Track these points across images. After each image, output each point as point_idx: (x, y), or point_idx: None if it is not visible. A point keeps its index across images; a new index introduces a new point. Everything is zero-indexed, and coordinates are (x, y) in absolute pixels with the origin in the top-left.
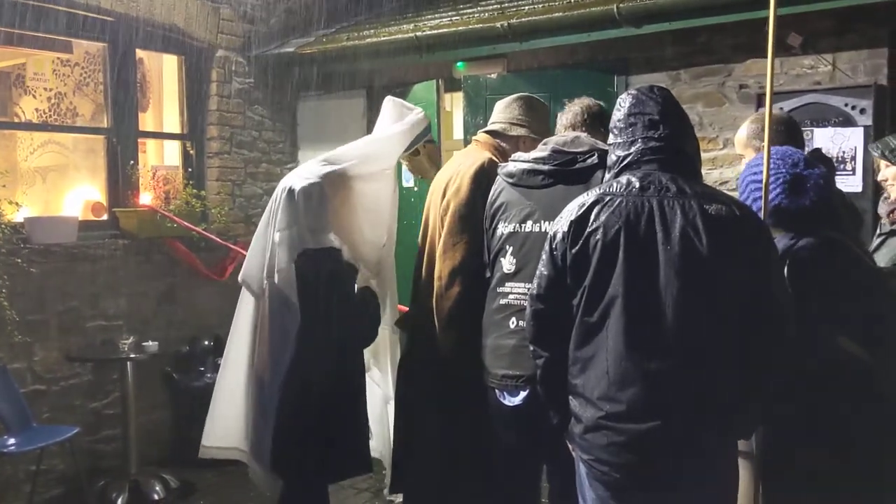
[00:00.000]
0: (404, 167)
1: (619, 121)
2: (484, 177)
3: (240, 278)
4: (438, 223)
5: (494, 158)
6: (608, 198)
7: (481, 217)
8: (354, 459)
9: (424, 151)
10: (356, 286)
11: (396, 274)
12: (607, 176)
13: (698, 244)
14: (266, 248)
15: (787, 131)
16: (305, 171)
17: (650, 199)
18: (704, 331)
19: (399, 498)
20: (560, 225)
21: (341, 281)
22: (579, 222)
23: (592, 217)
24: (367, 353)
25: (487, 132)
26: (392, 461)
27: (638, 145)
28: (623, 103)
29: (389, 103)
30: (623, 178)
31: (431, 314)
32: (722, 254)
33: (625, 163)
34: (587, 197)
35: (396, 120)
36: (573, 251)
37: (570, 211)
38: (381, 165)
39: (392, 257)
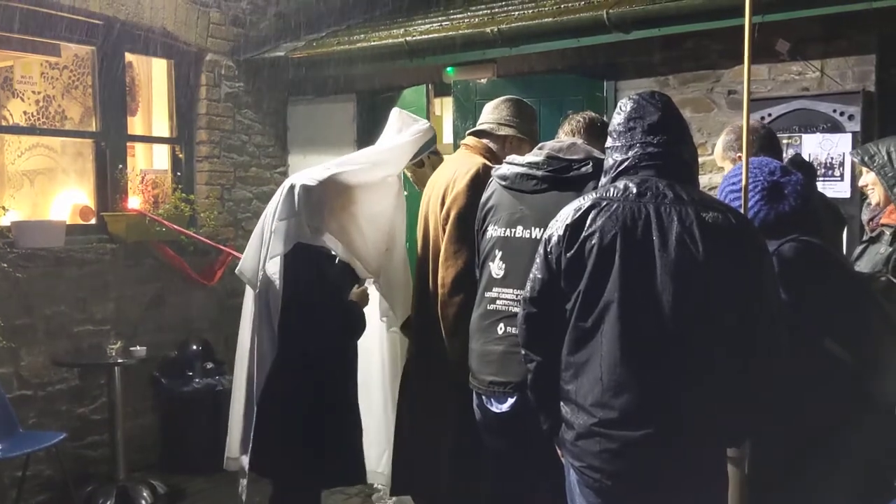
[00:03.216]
0: (409, 178)
1: (618, 125)
2: (479, 183)
3: (237, 270)
4: (440, 231)
5: (488, 163)
6: (605, 202)
7: None
8: (348, 467)
9: (429, 163)
10: (349, 295)
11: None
12: (603, 180)
13: (694, 251)
14: (263, 244)
15: (761, 140)
16: (309, 173)
17: (647, 205)
18: (700, 338)
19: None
20: (555, 228)
21: (329, 283)
22: (575, 226)
23: (588, 221)
24: (383, 356)
25: (474, 133)
26: (393, 464)
27: (636, 150)
28: (623, 107)
29: (396, 114)
30: (620, 183)
31: (435, 320)
32: (718, 261)
33: (622, 167)
34: (583, 201)
35: (402, 131)
36: (568, 255)
37: (566, 214)
38: (385, 173)
39: (401, 263)
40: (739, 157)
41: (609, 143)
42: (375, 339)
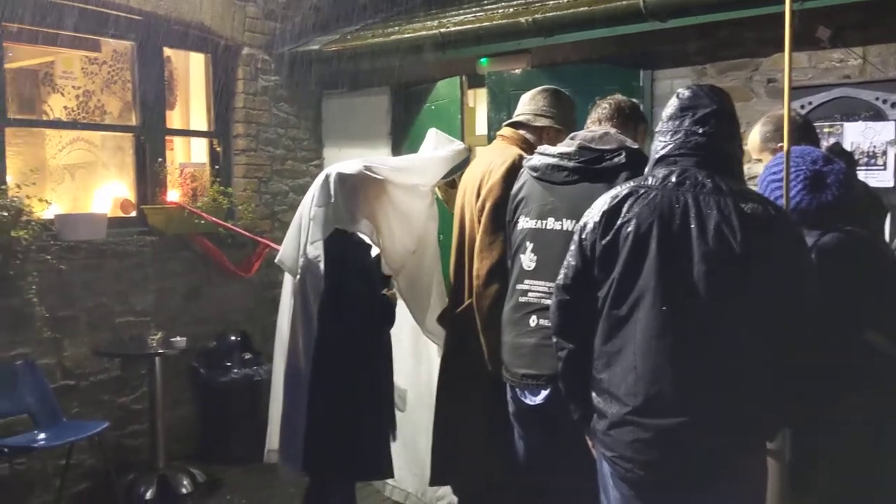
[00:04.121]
0: (440, 197)
1: (671, 111)
2: (516, 174)
3: (277, 260)
4: (476, 222)
5: (524, 154)
6: (643, 190)
7: None
8: (381, 461)
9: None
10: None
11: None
12: (647, 167)
13: (733, 241)
14: (301, 232)
15: (799, 130)
16: (344, 165)
17: (685, 194)
18: (736, 328)
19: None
20: (591, 215)
21: (365, 271)
22: (611, 213)
23: (625, 209)
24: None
25: (511, 124)
26: (432, 456)
27: (679, 137)
28: (680, 95)
29: (433, 134)
30: (659, 172)
31: (470, 311)
32: (756, 252)
33: (663, 153)
34: (620, 189)
35: (437, 149)
36: (603, 242)
37: (603, 201)
38: (418, 181)
39: (429, 270)
40: (780, 148)
41: (659, 127)
42: (423, 359)
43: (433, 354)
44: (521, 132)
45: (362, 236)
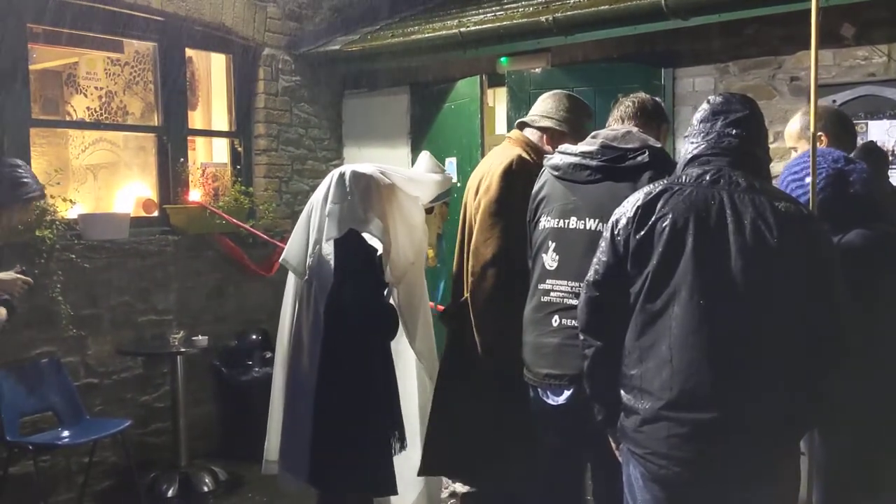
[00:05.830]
0: None
1: (701, 115)
2: (512, 175)
3: (281, 259)
4: (473, 221)
5: (524, 155)
6: (677, 187)
7: (511, 214)
8: (385, 478)
9: (438, 211)
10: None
11: None
12: (678, 167)
13: (769, 237)
14: (308, 232)
15: (839, 124)
16: (357, 165)
17: (721, 192)
18: (772, 322)
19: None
20: (624, 211)
21: (376, 274)
22: (646, 208)
23: (660, 204)
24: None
25: (518, 125)
26: (424, 444)
27: (712, 138)
28: (711, 100)
29: (426, 156)
30: (692, 171)
31: (468, 309)
32: (791, 249)
33: (695, 152)
34: (654, 186)
35: (430, 171)
36: (638, 236)
37: (636, 198)
38: (418, 193)
39: (419, 286)
40: (820, 137)
41: (689, 131)
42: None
43: (411, 369)
44: (526, 133)
45: (370, 240)
